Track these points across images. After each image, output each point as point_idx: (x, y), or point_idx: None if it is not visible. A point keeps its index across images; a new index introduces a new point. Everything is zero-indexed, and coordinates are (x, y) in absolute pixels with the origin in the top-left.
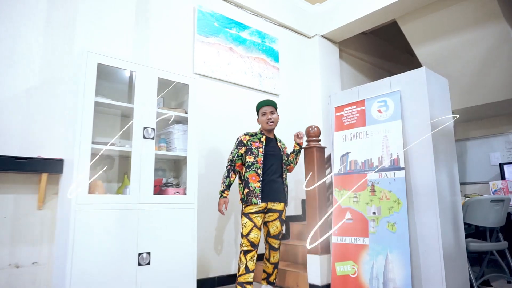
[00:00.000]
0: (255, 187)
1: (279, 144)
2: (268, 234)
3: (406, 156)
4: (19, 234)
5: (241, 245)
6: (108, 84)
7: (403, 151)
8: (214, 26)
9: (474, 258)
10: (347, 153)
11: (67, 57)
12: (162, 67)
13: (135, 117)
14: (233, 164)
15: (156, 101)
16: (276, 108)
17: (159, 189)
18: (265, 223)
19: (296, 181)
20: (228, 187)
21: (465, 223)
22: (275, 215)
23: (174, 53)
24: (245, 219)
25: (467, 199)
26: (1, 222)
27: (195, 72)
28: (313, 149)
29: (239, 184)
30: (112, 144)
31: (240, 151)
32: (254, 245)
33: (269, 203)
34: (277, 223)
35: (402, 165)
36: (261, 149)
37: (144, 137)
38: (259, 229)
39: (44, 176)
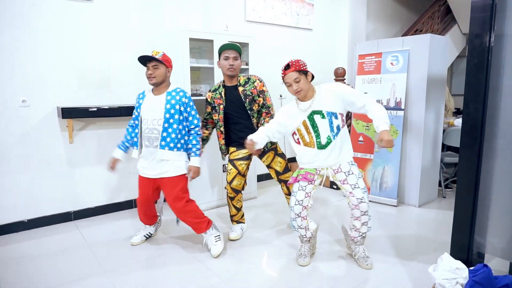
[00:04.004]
0: (221, 145)
1: (240, 89)
2: (277, 174)
3: (406, 100)
4: None
5: (226, 191)
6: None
7: (404, 97)
8: None
9: None
10: (365, 93)
11: (157, 31)
12: (225, 23)
13: (215, 74)
14: (203, 122)
15: None
16: (240, 54)
17: None
18: (268, 166)
19: None
20: (203, 141)
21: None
22: (270, 154)
23: (232, 8)
24: (229, 166)
25: (450, 127)
26: None
27: (247, 19)
28: None
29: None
30: (201, 95)
31: (207, 109)
32: (238, 191)
33: None
34: (278, 159)
35: (402, 107)
36: (221, 106)
37: None
38: (243, 175)
39: None
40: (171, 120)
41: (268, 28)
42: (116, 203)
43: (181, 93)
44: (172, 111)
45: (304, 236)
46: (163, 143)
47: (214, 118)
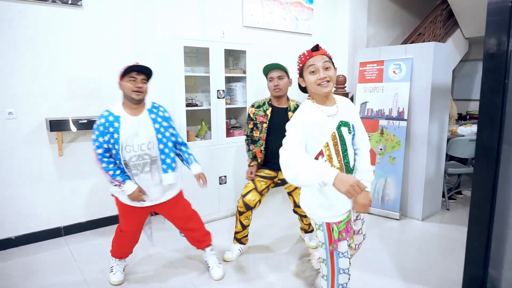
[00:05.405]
0: (259, 162)
1: (290, 114)
2: (295, 205)
3: (409, 110)
4: None
5: (238, 205)
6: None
7: (407, 106)
8: None
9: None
10: (366, 102)
11: (150, 38)
12: (222, 29)
13: (211, 83)
14: (249, 139)
15: (224, 67)
16: (286, 71)
17: (228, 130)
18: (289, 193)
19: None
20: (253, 158)
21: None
22: None
23: (228, 14)
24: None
25: (452, 138)
26: None
27: (244, 25)
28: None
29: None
30: (196, 105)
31: (249, 126)
32: (249, 207)
33: (279, 173)
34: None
35: (405, 117)
36: (264, 125)
37: (218, 98)
38: (260, 193)
39: None
40: (164, 140)
41: (267, 34)
42: (108, 217)
43: (161, 108)
44: (162, 129)
45: None
46: (164, 166)
47: (255, 135)
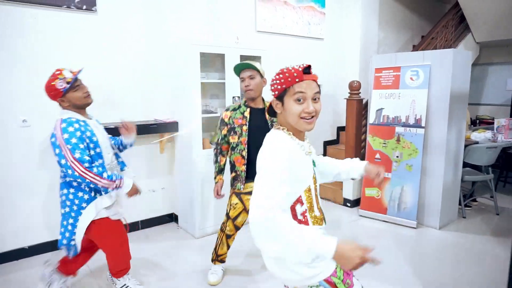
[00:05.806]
0: (241, 171)
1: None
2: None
3: (427, 117)
4: (151, 169)
5: (224, 227)
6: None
7: (425, 114)
8: None
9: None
10: (382, 108)
11: (163, 44)
12: (235, 34)
13: (227, 89)
14: (218, 147)
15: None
16: (257, 70)
17: None
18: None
19: (334, 111)
20: (219, 172)
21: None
22: None
23: (242, 18)
24: (235, 200)
25: (468, 146)
26: (141, 163)
27: (258, 30)
28: (354, 102)
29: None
30: (212, 112)
31: (223, 131)
32: (238, 229)
33: None
34: None
35: (423, 125)
36: (244, 127)
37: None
38: (248, 212)
39: (166, 134)
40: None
41: (279, 38)
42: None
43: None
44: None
45: None
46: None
47: (231, 141)
